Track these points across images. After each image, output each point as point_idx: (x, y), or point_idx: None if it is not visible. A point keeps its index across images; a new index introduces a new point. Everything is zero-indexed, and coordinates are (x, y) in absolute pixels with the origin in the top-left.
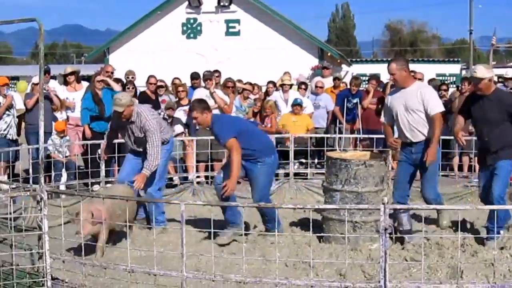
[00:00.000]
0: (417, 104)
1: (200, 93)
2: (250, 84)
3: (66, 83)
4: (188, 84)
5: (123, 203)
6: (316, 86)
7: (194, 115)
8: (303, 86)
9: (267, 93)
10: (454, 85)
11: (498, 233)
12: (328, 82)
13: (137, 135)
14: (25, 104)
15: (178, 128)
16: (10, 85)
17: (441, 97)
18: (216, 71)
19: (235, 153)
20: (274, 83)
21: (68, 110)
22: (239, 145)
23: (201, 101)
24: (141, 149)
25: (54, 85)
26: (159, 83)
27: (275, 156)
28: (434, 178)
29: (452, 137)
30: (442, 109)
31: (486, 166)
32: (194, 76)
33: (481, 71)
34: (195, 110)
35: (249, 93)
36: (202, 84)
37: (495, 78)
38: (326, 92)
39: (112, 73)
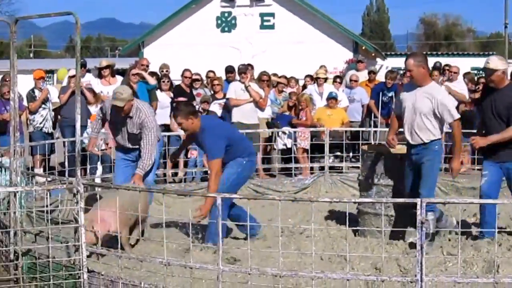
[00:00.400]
0: (426, 109)
1: (235, 87)
2: (286, 77)
3: (100, 76)
4: (223, 77)
5: (136, 202)
6: (350, 80)
7: (178, 120)
8: (338, 80)
9: (304, 87)
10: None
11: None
12: (363, 75)
13: (131, 131)
14: (59, 98)
15: None
16: (46, 79)
17: (477, 91)
18: (250, 65)
19: (215, 177)
20: (311, 77)
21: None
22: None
23: (187, 105)
24: (131, 146)
25: (89, 79)
26: (194, 77)
27: (251, 160)
28: (432, 183)
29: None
30: (458, 116)
31: (495, 160)
32: (229, 70)
33: (494, 62)
34: (179, 116)
35: (284, 87)
36: (237, 77)
37: None
38: (360, 86)
39: (147, 66)
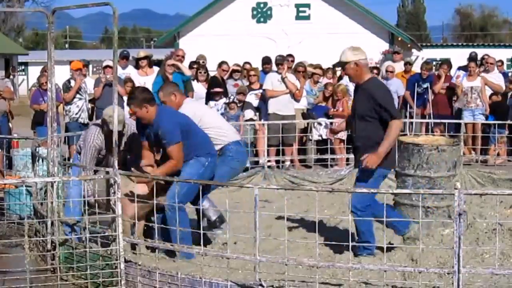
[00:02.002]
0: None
1: (272, 78)
2: (321, 68)
3: (138, 67)
4: (259, 68)
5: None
6: (386, 71)
7: (132, 109)
8: (375, 71)
9: (340, 78)
10: None
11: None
12: (399, 66)
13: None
14: (94, 90)
15: (249, 113)
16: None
17: None
18: (290, 55)
19: (175, 165)
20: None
21: None
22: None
23: (142, 91)
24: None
25: (130, 71)
26: (234, 67)
27: (212, 158)
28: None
29: None
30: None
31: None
32: (266, 61)
33: (345, 54)
34: (132, 104)
35: (319, 77)
36: (274, 68)
37: None
38: (397, 77)
39: (183, 57)
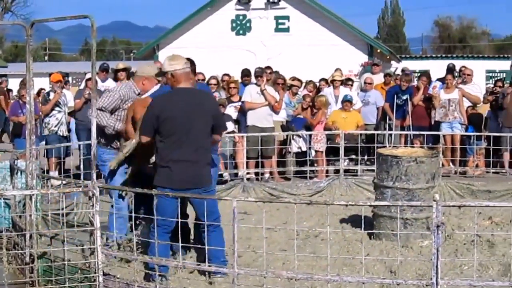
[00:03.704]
0: None
1: (251, 90)
2: (299, 80)
3: (116, 79)
4: (239, 80)
5: None
6: (365, 83)
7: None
8: (349, 82)
9: (318, 89)
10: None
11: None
12: (378, 78)
13: None
14: (74, 102)
15: (229, 125)
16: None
17: (495, 92)
18: (268, 67)
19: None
20: (326, 80)
21: None
22: None
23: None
24: None
25: (110, 84)
26: (212, 81)
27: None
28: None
29: (502, 134)
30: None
31: None
32: (246, 73)
33: (164, 64)
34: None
35: (298, 89)
36: (253, 80)
37: None
38: (376, 89)
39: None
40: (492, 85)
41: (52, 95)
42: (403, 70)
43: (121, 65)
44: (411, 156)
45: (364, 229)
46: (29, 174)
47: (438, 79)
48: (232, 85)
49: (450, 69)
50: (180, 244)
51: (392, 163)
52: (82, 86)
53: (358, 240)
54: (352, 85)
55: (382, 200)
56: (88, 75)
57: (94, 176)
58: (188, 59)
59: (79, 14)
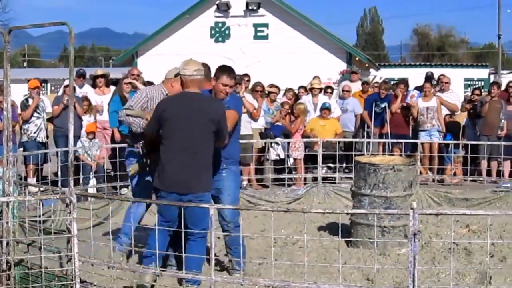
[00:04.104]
0: None
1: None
2: (277, 87)
3: (95, 85)
4: None
5: None
6: (343, 90)
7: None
8: (329, 90)
9: (297, 97)
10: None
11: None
12: (357, 86)
13: None
14: (52, 109)
15: None
16: (41, 89)
17: (473, 101)
18: (246, 75)
19: None
20: (305, 88)
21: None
22: None
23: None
24: None
25: (87, 90)
26: None
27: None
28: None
29: (480, 142)
30: None
31: None
32: (238, 81)
33: (179, 66)
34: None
35: (276, 96)
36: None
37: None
38: (354, 96)
39: (138, 75)
40: (470, 93)
41: (30, 101)
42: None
43: (99, 71)
44: (389, 164)
45: (341, 237)
46: (6, 181)
47: (416, 88)
48: None
49: (428, 77)
50: (161, 252)
51: (370, 171)
52: (60, 93)
53: (336, 248)
54: (332, 93)
55: (359, 208)
56: (66, 82)
57: (72, 183)
58: (204, 64)
59: (58, 20)
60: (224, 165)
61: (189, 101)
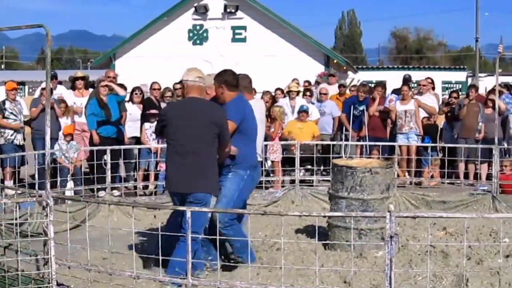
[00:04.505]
0: None
1: None
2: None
3: (74, 88)
4: None
5: None
6: (320, 93)
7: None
8: (308, 93)
9: (274, 100)
10: (462, 93)
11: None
12: (334, 89)
13: None
14: (30, 111)
15: None
16: (18, 91)
17: (450, 104)
18: None
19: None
20: (282, 90)
21: (75, 115)
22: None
23: (230, 74)
24: None
25: (61, 91)
26: (167, 94)
27: (250, 171)
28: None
29: (457, 145)
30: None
31: None
32: None
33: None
34: (215, 80)
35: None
36: None
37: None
38: (331, 99)
39: (114, 78)
40: (447, 96)
41: (8, 103)
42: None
43: (79, 73)
44: (366, 166)
45: (318, 240)
46: None
47: (394, 90)
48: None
49: (406, 80)
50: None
51: (347, 174)
52: (37, 95)
53: (313, 251)
54: (311, 96)
55: (336, 210)
56: (43, 84)
57: (49, 185)
58: (245, 75)
59: (37, 22)
60: (232, 168)
61: (191, 105)
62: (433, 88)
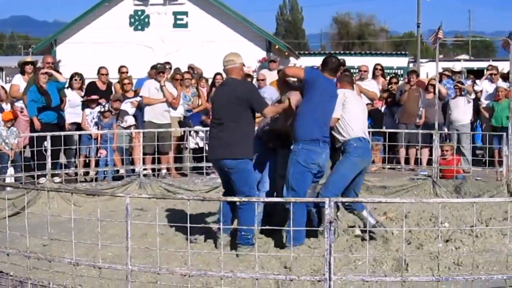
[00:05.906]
0: None
1: (150, 85)
2: (190, 73)
3: (23, 72)
4: (135, 76)
5: None
6: (257, 79)
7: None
8: (248, 79)
9: (213, 84)
10: (402, 78)
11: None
12: (275, 75)
13: None
14: None
15: (130, 119)
16: None
17: (390, 90)
18: (168, 63)
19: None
20: (221, 75)
21: (20, 101)
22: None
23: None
24: None
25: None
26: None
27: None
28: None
29: (398, 130)
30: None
31: None
32: (161, 70)
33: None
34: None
35: (190, 82)
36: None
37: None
38: (272, 85)
39: (52, 64)
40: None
41: None
42: (272, 60)
43: (28, 58)
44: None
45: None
46: None
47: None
48: (126, 81)
49: (342, 65)
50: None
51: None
52: None
53: (260, 238)
54: (251, 82)
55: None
56: None
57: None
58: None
59: None
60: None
61: (223, 85)
62: (383, 76)
